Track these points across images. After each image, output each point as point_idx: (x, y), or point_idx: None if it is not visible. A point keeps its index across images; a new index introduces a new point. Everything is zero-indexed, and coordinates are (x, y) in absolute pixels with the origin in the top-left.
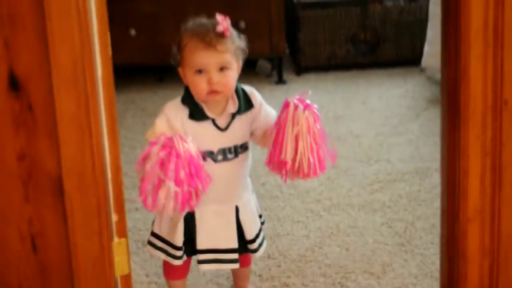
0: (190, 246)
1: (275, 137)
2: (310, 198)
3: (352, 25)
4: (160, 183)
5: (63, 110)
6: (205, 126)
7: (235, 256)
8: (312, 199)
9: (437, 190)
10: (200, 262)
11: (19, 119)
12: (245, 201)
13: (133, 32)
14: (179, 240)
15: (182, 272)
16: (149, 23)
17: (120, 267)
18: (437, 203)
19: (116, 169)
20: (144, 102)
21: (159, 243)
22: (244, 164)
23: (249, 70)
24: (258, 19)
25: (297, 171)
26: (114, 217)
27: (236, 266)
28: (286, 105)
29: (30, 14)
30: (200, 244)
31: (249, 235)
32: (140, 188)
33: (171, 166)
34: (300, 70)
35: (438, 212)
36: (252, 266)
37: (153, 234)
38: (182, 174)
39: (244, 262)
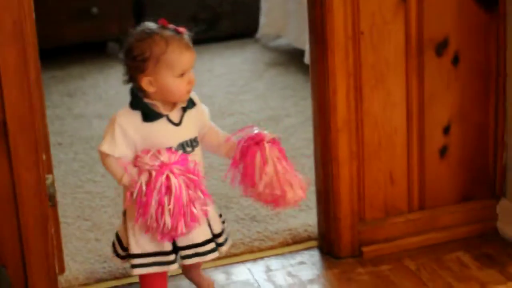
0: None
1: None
2: None
3: (193, 5)
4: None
5: (6, 63)
6: (161, 124)
7: (212, 245)
8: None
9: (290, 130)
10: (183, 257)
11: None
12: None
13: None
14: (167, 244)
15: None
16: None
17: None
18: (292, 140)
19: (42, 115)
20: None
21: (149, 260)
22: (200, 157)
23: (101, 51)
24: (109, 4)
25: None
26: (43, 156)
27: (215, 255)
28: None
29: None
30: (180, 241)
31: (215, 229)
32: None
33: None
34: None
35: (294, 147)
36: None
37: (136, 256)
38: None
39: None
